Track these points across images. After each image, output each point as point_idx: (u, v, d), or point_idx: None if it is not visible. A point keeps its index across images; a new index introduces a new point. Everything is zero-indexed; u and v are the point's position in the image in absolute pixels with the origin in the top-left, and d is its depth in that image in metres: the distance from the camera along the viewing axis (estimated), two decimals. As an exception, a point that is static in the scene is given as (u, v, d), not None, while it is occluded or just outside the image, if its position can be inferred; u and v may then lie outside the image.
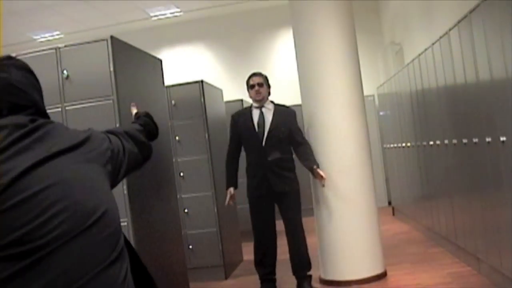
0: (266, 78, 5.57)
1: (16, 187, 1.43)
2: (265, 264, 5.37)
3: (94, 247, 1.51)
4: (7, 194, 1.42)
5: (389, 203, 10.40)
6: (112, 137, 1.89)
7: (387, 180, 10.57)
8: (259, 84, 5.44)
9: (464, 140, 5.10)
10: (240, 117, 5.51)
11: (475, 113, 4.79)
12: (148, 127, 2.37)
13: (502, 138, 4.16)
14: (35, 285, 1.41)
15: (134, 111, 2.76)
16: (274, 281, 5.47)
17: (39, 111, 1.71)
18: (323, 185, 5.23)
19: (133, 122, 2.40)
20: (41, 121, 1.61)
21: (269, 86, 5.55)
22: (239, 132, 5.44)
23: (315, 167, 5.20)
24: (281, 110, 5.44)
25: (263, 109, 5.43)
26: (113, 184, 1.81)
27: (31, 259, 1.41)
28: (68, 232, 1.46)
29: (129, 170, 1.96)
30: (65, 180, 1.52)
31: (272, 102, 5.55)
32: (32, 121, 1.60)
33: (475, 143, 4.81)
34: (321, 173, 5.15)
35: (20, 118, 1.60)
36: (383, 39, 11.49)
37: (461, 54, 5.01)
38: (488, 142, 4.48)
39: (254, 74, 5.58)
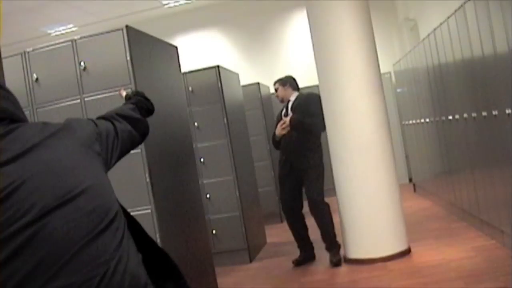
0: (280, 81, 6.29)
1: None
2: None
3: (77, 220, 1.53)
4: None
5: (410, 180, 10.38)
6: (99, 121, 1.92)
7: (407, 157, 10.54)
8: (276, 90, 6.31)
9: (484, 113, 5.07)
10: (280, 110, 6.29)
11: (494, 85, 4.76)
12: (140, 103, 2.41)
13: (523, 110, 4.14)
14: (26, 267, 1.44)
15: (124, 93, 2.79)
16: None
17: (16, 119, 1.73)
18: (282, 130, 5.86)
19: (124, 104, 2.44)
20: (12, 125, 1.63)
21: (285, 84, 6.22)
22: (277, 121, 6.15)
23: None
24: (300, 99, 6.12)
25: (289, 103, 6.17)
26: (108, 163, 1.85)
27: (15, 243, 1.44)
28: (45, 209, 1.49)
29: (126, 148, 2.01)
30: (40, 168, 1.54)
31: (298, 91, 6.23)
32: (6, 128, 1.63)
33: (495, 115, 4.77)
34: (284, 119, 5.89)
35: None
36: (397, 16, 11.40)
37: (477, 27, 4.97)
38: (508, 114, 4.45)
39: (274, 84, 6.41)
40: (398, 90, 10.25)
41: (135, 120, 2.14)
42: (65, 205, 1.52)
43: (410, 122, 9.18)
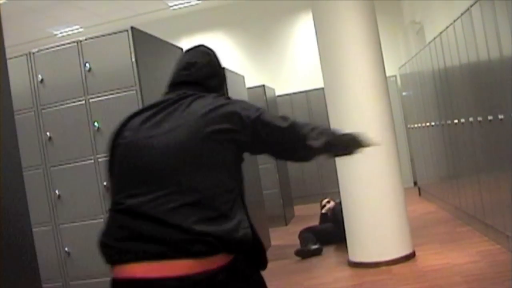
0: None
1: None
2: None
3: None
4: None
5: (415, 183, 10.34)
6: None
7: (412, 161, 10.51)
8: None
9: (490, 117, 5.05)
10: None
11: (500, 89, 4.74)
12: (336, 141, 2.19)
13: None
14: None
15: None
16: None
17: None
18: None
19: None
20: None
21: None
22: None
23: None
24: None
25: None
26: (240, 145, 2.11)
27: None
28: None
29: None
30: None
31: None
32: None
33: (501, 119, 4.75)
34: None
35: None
36: (403, 19, 11.37)
37: (484, 30, 4.95)
38: (514, 118, 4.43)
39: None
40: (404, 93, 10.22)
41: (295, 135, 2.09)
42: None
43: (416, 125, 9.15)
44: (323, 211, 7.18)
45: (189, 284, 1.87)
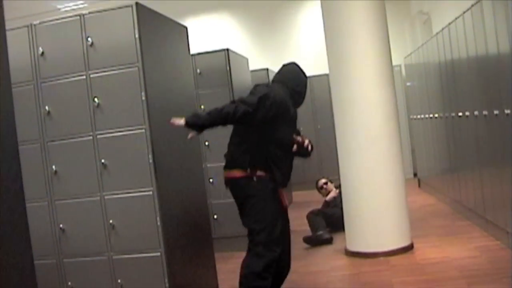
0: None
1: None
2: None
3: None
4: None
5: (415, 174, 10.28)
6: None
7: (413, 152, 10.44)
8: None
9: (496, 112, 4.97)
10: None
11: (508, 84, 4.65)
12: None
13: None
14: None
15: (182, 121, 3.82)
16: None
17: None
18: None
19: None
20: None
21: None
22: None
23: None
24: None
25: None
26: None
27: None
28: None
29: None
30: None
31: None
32: None
33: (507, 114, 4.67)
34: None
35: None
36: (410, 9, 11.25)
37: (494, 23, 4.85)
38: (522, 113, 4.36)
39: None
40: (408, 83, 10.13)
41: None
42: None
43: (418, 116, 9.07)
44: (327, 199, 7.11)
45: None
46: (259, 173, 3.97)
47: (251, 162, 3.97)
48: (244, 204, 4.09)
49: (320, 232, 6.22)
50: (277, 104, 3.92)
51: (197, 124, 3.84)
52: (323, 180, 7.43)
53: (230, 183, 4.12)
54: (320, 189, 7.41)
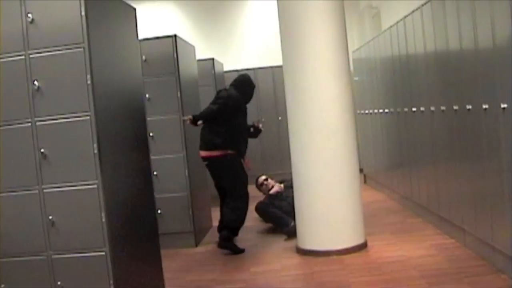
0: None
1: None
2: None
3: None
4: None
5: (360, 170, 10.16)
6: None
7: (358, 147, 10.30)
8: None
9: (455, 107, 4.84)
10: None
11: (470, 79, 4.52)
12: None
13: (503, 105, 3.90)
14: None
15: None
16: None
17: None
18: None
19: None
20: None
21: None
22: None
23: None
24: None
25: None
26: None
27: None
28: None
29: None
30: None
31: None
32: None
33: (469, 110, 4.54)
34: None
35: None
36: (358, 3, 11.13)
37: (444, 21, 4.74)
38: (485, 109, 4.22)
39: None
40: (356, 78, 10.00)
41: None
42: None
43: (366, 111, 8.95)
44: (272, 192, 6.90)
45: None
46: (230, 151, 5.84)
47: (224, 144, 5.80)
48: (222, 174, 5.96)
49: (293, 223, 5.88)
50: (235, 101, 5.93)
51: (199, 118, 5.83)
52: (263, 177, 7.28)
53: (210, 160, 5.92)
54: (260, 186, 7.23)
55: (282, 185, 7.06)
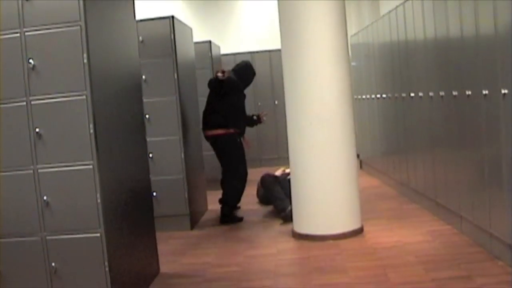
0: None
1: None
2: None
3: None
4: None
5: (357, 156, 10.13)
6: None
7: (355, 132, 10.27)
8: None
9: (454, 93, 4.79)
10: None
11: (471, 65, 4.48)
12: None
13: (504, 91, 3.86)
14: None
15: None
16: None
17: None
18: None
19: None
20: None
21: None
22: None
23: None
24: None
25: None
26: None
27: None
28: None
29: None
30: None
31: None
32: None
33: (468, 95, 4.50)
34: None
35: None
36: (357, -13, 11.06)
37: (445, 6, 4.68)
38: (485, 94, 4.18)
39: None
40: (353, 63, 9.94)
41: None
42: None
43: (363, 96, 8.90)
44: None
45: None
46: (232, 130, 6.32)
47: (227, 123, 6.29)
48: (225, 151, 6.38)
49: (290, 207, 5.81)
50: (237, 85, 6.39)
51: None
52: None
53: (214, 138, 6.39)
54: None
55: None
